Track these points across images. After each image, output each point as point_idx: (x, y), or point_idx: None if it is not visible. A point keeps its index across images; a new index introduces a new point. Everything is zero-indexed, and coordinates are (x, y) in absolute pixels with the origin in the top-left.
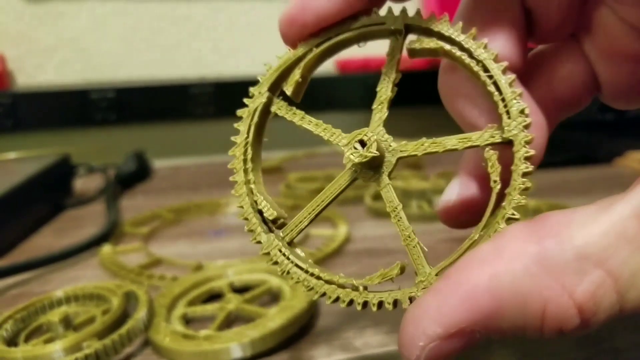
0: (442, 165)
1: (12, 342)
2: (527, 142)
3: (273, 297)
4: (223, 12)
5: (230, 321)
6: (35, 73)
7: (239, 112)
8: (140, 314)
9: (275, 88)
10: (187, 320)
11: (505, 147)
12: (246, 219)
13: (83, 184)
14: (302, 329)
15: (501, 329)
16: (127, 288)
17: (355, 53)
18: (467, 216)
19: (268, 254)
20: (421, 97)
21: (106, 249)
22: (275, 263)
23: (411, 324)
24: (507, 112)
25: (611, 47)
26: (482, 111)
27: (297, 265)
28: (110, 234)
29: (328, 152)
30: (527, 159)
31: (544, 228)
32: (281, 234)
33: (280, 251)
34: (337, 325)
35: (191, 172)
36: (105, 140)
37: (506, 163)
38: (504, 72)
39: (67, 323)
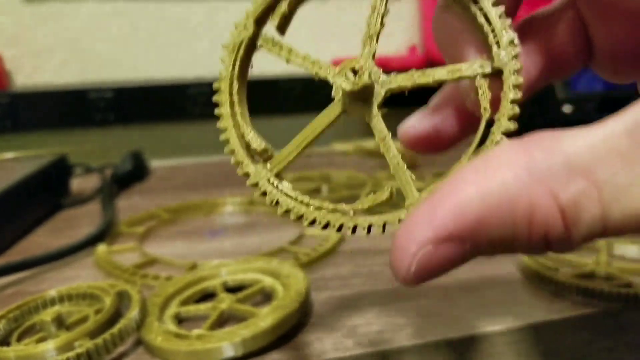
0: (437, 165)
1: (4, 341)
2: (517, 71)
3: (266, 296)
4: (221, 13)
5: (223, 321)
6: (33, 73)
7: (224, 44)
8: (133, 313)
9: (262, 22)
10: (180, 320)
11: (494, 78)
12: (233, 151)
13: (80, 184)
14: (294, 328)
15: (490, 238)
16: (120, 287)
17: (351, 52)
18: (430, 143)
19: (256, 184)
20: (416, 97)
21: (101, 248)
22: (264, 194)
23: (402, 235)
24: (497, 43)
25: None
26: (472, 46)
27: (286, 195)
28: (105, 233)
29: (323, 152)
30: (516, 86)
31: (535, 142)
32: (268, 165)
33: (268, 181)
34: (329, 324)
35: (188, 172)
36: (104, 140)
37: (493, 95)
38: (494, 4)
39: (60, 322)
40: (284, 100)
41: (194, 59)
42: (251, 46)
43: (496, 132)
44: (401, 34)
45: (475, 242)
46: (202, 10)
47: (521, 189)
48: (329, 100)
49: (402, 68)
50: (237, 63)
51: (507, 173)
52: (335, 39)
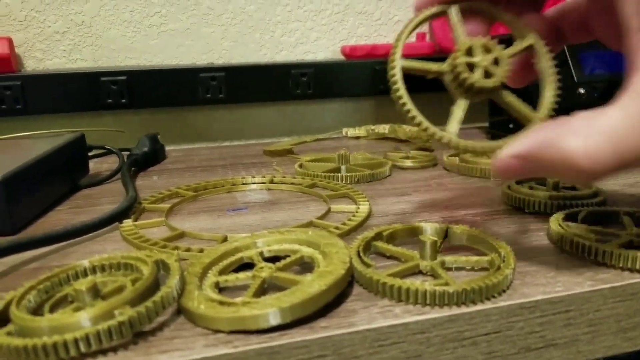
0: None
1: (36, 313)
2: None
3: (305, 267)
4: None
5: (264, 290)
6: (44, 57)
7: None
8: (174, 281)
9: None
10: (220, 289)
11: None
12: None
13: (96, 165)
14: (340, 296)
15: (544, 160)
16: (157, 257)
17: (361, 39)
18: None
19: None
20: (425, 84)
21: (127, 223)
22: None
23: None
24: None
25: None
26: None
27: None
28: (130, 208)
29: (334, 137)
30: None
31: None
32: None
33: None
34: (373, 293)
35: (203, 155)
36: (115, 124)
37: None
38: None
39: (95, 292)
40: (295, 86)
41: (206, 44)
42: None
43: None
44: None
45: (534, 160)
46: None
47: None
48: (330, 85)
49: (411, 55)
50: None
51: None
52: (343, 26)
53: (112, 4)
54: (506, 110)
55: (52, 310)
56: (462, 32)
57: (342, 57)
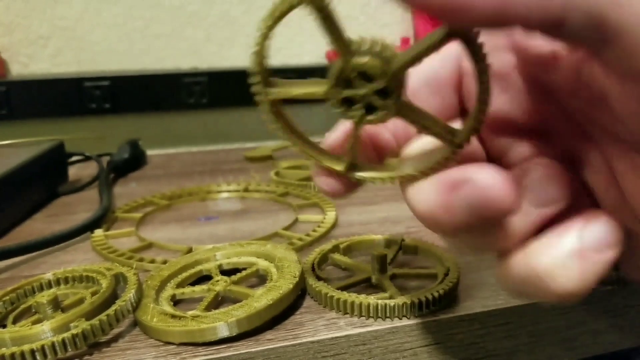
0: None
1: (0, 324)
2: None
3: (261, 279)
4: (217, 2)
5: (219, 303)
6: (28, 62)
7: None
8: (129, 295)
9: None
10: (176, 302)
11: None
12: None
13: (77, 171)
14: (288, 309)
15: None
16: (116, 270)
17: None
18: None
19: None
20: None
21: (98, 233)
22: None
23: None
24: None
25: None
26: None
27: None
28: (102, 219)
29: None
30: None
31: None
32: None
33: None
34: (322, 306)
35: (184, 160)
36: (99, 129)
37: None
38: None
39: (56, 304)
40: None
41: (190, 48)
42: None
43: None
44: (395, 26)
45: None
46: None
47: None
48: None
49: None
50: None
51: None
52: None
53: (96, 9)
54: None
55: (16, 320)
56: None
57: (326, 62)
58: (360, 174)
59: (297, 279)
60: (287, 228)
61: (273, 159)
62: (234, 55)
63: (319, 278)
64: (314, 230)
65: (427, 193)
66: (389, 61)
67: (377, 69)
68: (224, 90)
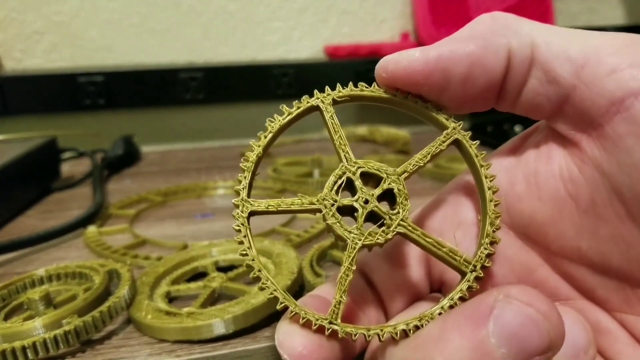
0: None
1: None
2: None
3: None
4: None
5: (215, 299)
6: (23, 57)
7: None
8: (122, 291)
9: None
10: (171, 299)
11: None
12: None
13: (71, 168)
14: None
15: None
16: (110, 266)
17: (344, 39)
18: None
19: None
20: None
21: (91, 230)
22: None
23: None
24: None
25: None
26: None
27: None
28: (95, 215)
29: (316, 139)
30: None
31: None
32: None
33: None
34: None
35: (180, 157)
36: (93, 125)
37: None
38: None
39: (48, 301)
40: (277, 86)
41: (186, 44)
42: None
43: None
44: (394, 21)
45: None
46: None
47: None
48: (313, 85)
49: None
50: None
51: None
52: (326, 25)
53: (92, 4)
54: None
55: (7, 317)
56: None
57: (325, 57)
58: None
59: (295, 274)
60: (285, 225)
61: (270, 156)
62: (231, 51)
63: (317, 275)
64: (312, 227)
65: None
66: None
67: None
68: (220, 86)
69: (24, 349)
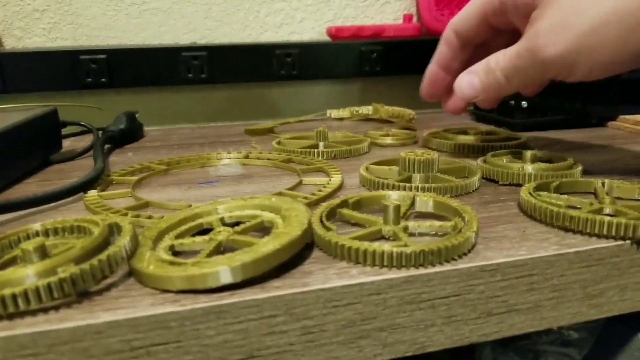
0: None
1: None
2: None
3: (266, 231)
4: None
5: (220, 253)
6: (23, 35)
7: None
8: (123, 241)
9: None
10: (174, 253)
11: None
12: None
13: (72, 143)
14: (296, 258)
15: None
16: (110, 220)
17: (347, 20)
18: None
19: None
20: (411, 66)
21: (92, 193)
22: None
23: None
24: None
25: None
26: None
27: None
28: (96, 180)
29: (318, 119)
30: None
31: None
32: None
33: None
34: (332, 257)
35: (183, 134)
36: (96, 103)
37: None
38: None
39: (43, 252)
40: (280, 66)
41: (188, 23)
42: None
43: None
44: (397, 2)
45: None
46: None
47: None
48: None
49: (398, 37)
50: None
51: None
52: (329, 6)
53: None
54: None
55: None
56: None
57: (327, 38)
58: None
59: (306, 225)
60: (291, 189)
61: (274, 133)
62: (234, 31)
63: (328, 229)
64: (320, 190)
65: None
66: None
67: None
68: (223, 66)
69: (14, 296)
